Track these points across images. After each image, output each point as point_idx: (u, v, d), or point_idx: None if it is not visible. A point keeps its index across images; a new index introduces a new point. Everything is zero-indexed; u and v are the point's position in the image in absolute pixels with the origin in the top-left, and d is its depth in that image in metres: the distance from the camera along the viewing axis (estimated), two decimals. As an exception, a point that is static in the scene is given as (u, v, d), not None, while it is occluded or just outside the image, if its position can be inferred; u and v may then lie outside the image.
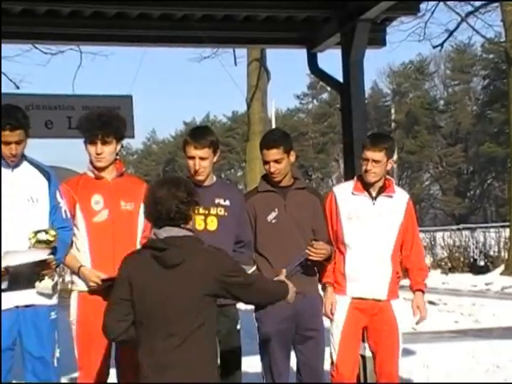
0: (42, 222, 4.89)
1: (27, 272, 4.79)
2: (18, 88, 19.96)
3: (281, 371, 5.46)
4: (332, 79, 8.35)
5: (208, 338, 4.05)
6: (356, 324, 5.59)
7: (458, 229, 27.01)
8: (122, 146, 5.38)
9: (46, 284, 4.88)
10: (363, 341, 5.94)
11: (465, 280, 21.86)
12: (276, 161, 5.50)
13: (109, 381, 5.26)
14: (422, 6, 12.08)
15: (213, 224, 5.24)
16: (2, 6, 6.80)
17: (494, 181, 63.01)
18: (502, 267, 22.72)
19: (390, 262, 5.58)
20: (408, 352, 8.68)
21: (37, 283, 4.87)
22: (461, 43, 59.36)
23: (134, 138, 9.57)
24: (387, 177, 5.67)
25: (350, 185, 5.74)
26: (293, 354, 5.61)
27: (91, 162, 5.27)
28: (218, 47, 19.12)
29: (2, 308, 4.78)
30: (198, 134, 5.34)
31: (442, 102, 66.35)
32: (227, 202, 5.29)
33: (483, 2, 23.39)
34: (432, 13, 23.32)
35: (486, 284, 20.78)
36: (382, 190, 5.63)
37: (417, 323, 5.79)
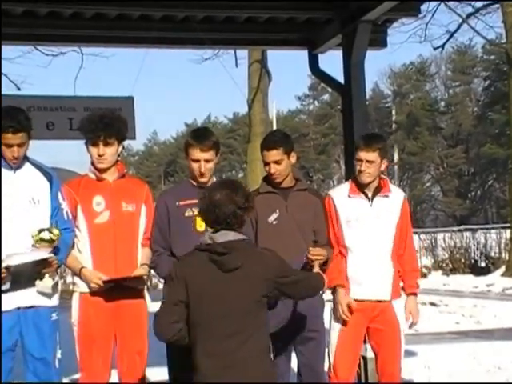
0: (43, 224, 4.89)
1: (28, 271, 4.80)
2: (19, 89, 19.96)
3: (281, 372, 5.44)
4: (333, 80, 8.35)
5: (265, 337, 4.20)
6: (355, 325, 5.58)
7: (459, 230, 26.99)
8: (124, 148, 5.38)
9: (46, 283, 4.89)
10: (364, 342, 5.94)
11: (466, 281, 21.84)
12: (276, 162, 5.50)
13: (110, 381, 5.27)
14: (423, 7, 12.06)
15: (213, 225, 5.24)
16: (3, 7, 6.80)
17: (495, 182, 63.02)
18: (503, 268, 22.71)
19: (390, 261, 5.58)
20: (409, 353, 8.68)
21: (37, 282, 4.88)
22: (462, 44, 59.36)
23: (136, 140, 9.57)
24: (382, 176, 5.66)
25: (345, 187, 5.72)
26: (293, 355, 5.61)
27: (93, 164, 5.27)
28: (219, 49, 19.16)
29: (4, 309, 4.79)
30: (202, 136, 5.32)
31: (442, 104, 66.40)
32: (228, 203, 5.29)
33: (484, 3, 23.38)
34: (433, 14, 23.29)
35: (487, 285, 20.76)
36: (377, 191, 5.62)
37: (409, 327, 5.77)
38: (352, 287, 5.55)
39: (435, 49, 26.47)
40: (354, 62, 7.50)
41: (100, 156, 5.19)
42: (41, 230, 4.78)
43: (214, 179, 5.41)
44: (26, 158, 5.04)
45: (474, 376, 8.37)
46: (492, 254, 24.25)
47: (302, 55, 8.57)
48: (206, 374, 4.07)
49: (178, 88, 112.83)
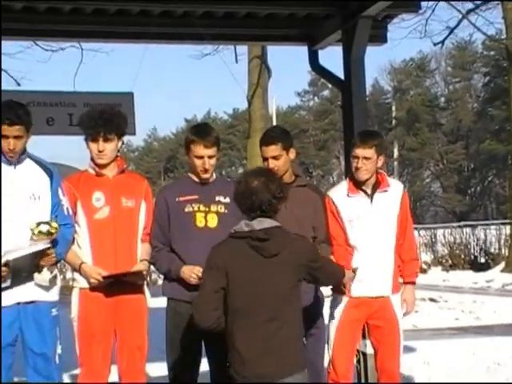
0: (43, 219, 4.89)
1: (27, 264, 4.80)
2: (19, 85, 19.97)
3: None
4: (333, 76, 8.34)
5: (300, 323, 4.34)
6: (353, 321, 5.58)
7: (459, 226, 27.01)
8: (123, 143, 5.38)
9: (43, 276, 4.89)
10: (364, 338, 5.95)
11: (465, 277, 21.87)
12: (274, 157, 5.50)
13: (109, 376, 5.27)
14: (423, 3, 12.06)
15: (213, 221, 5.24)
16: (3, 3, 6.80)
17: (495, 178, 63.04)
18: (502, 264, 22.74)
19: (392, 256, 5.60)
20: (409, 349, 8.68)
21: (35, 274, 4.88)
22: (462, 40, 59.51)
23: (135, 135, 9.56)
24: (379, 171, 5.65)
25: (343, 187, 5.70)
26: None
27: (92, 159, 5.27)
28: (218, 44, 19.14)
29: (4, 304, 4.80)
30: (205, 132, 5.32)
31: (442, 100, 66.41)
32: (227, 199, 5.29)
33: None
34: (433, 10, 23.34)
35: (487, 281, 20.78)
36: (376, 187, 5.62)
37: (404, 316, 5.77)
38: (354, 285, 5.53)
39: (435, 44, 26.53)
40: (354, 57, 7.49)
41: (100, 152, 5.19)
42: (39, 223, 4.78)
43: (214, 175, 5.41)
44: (26, 154, 5.04)
45: (473, 372, 8.38)
46: (492, 250, 24.29)
47: (302, 51, 8.56)
48: (245, 360, 4.17)
49: (178, 84, 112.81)
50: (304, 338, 5.48)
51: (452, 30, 25.81)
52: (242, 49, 22.97)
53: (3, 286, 4.80)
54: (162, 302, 5.27)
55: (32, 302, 4.91)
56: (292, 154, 5.60)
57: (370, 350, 6.07)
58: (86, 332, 5.15)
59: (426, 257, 24.89)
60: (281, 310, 4.20)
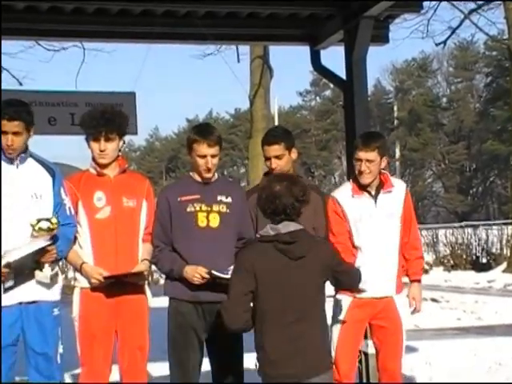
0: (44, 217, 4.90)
1: (29, 262, 4.81)
2: (21, 84, 20.00)
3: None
4: (335, 76, 8.34)
5: (326, 321, 4.50)
6: (356, 322, 5.58)
7: (461, 226, 26.98)
8: (124, 143, 5.38)
9: (44, 273, 4.89)
10: (366, 338, 5.95)
11: (467, 277, 21.85)
12: (277, 157, 5.52)
13: (110, 376, 5.27)
14: (425, 3, 12.04)
15: (215, 221, 5.24)
16: (5, 2, 6.80)
17: (497, 178, 62.99)
18: (504, 264, 22.72)
19: (396, 257, 5.61)
20: (410, 349, 8.67)
21: (37, 272, 4.88)
22: (464, 40, 59.53)
23: (137, 135, 9.57)
24: (382, 171, 5.65)
25: (347, 188, 5.70)
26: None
27: (94, 159, 5.27)
28: (221, 44, 19.15)
29: (5, 304, 4.80)
30: (207, 131, 5.32)
31: (444, 100, 66.36)
32: (229, 199, 5.29)
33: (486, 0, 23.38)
34: (435, 10, 23.36)
35: (489, 281, 20.76)
36: (380, 187, 5.62)
37: (412, 313, 5.80)
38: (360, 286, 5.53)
39: (437, 45, 26.56)
40: (356, 57, 7.49)
41: (101, 151, 5.19)
42: (40, 220, 4.79)
43: (216, 175, 5.41)
44: (28, 153, 5.04)
45: (475, 372, 8.37)
46: (493, 250, 24.26)
47: (304, 51, 8.56)
48: (273, 361, 4.28)
49: (180, 83, 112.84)
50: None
51: (454, 30, 25.84)
52: (244, 49, 23.00)
53: (7, 285, 4.81)
54: (163, 302, 5.27)
55: (34, 302, 4.91)
56: (294, 154, 5.61)
57: (371, 350, 6.08)
58: (87, 332, 5.15)
59: (427, 257, 24.83)
60: (308, 311, 4.33)
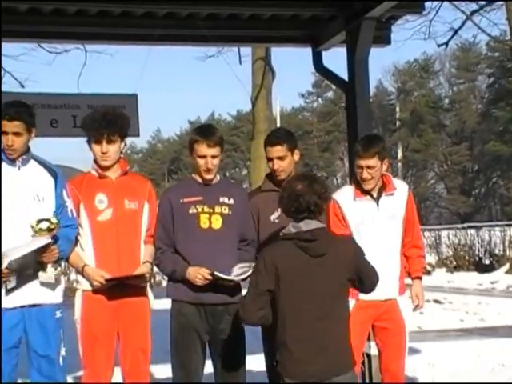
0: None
1: (31, 262, 4.80)
2: (23, 87, 20.05)
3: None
4: (337, 78, 8.34)
5: (347, 323, 4.50)
6: (360, 324, 5.56)
7: (463, 227, 26.94)
8: (125, 145, 5.38)
9: (48, 273, 4.89)
10: (368, 339, 5.94)
11: (470, 278, 21.82)
12: (279, 158, 5.51)
13: (113, 378, 5.27)
14: (427, 4, 12.06)
15: (217, 222, 5.24)
16: (8, 4, 6.81)
17: (499, 179, 62.92)
18: (507, 266, 22.69)
19: (399, 258, 5.61)
20: (413, 350, 8.66)
21: (40, 273, 4.87)
22: (466, 41, 59.49)
23: (139, 137, 9.57)
24: (384, 173, 5.65)
25: (349, 190, 5.69)
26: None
27: (95, 161, 5.27)
28: (222, 46, 19.13)
29: (8, 306, 4.80)
30: (208, 132, 5.32)
31: (446, 101, 66.32)
32: (231, 201, 5.29)
33: (488, 1, 23.37)
34: (437, 11, 23.40)
35: (492, 282, 20.74)
36: (382, 190, 5.62)
37: (414, 310, 5.81)
38: None
39: (439, 46, 26.57)
40: (358, 59, 7.49)
41: (104, 154, 5.19)
42: (40, 221, 4.78)
43: (218, 177, 5.41)
44: (30, 155, 5.04)
45: (477, 374, 8.36)
46: (496, 252, 24.21)
47: (306, 52, 8.57)
48: (295, 359, 4.31)
49: (182, 85, 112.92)
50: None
51: (456, 31, 25.84)
52: (246, 50, 23.04)
53: (9, 287, 4.80)
54: (165, 304, 5.27)
55: (36, 305, 4.91)
56: (296, 155, 5.61)
57: (374, 352, 6.07)
58: (89, 334, 5.14)
59: (430, 258, 24.80)
60: (330, 308, 4.36)
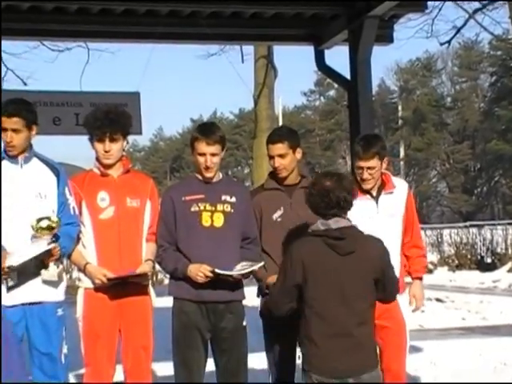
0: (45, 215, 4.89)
1: (32, 266, 4.80)
2: (25, 85, 20.06)
3: (286, 368, 5.45)
4: (339, 76, 8.35)
5: (373, 322, 4.56)
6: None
7: (465, 226, 26.95)
8: (127, 143, 5.38)
9: (51, 271, 4.89)
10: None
11: (472, 277, 21.81)
12: (280, 155, 5.49)
13: (115, 377, 5.27)
14: (430, 2, 12.06)
15: (219, 221, 5.23)
16: (10, 2, 6.82)
17: (502, 178, 62.92)
18: (509, 264, 22.67)
19: (399, 257, 5.60)
20: (415, 349, 8.67)
21: (43, 271, 4.87)
22: (468, 40, 59.38)
23: (142, 135, 9.58)
24: (383, 171, 5.64)
25: None
26: (298, 351, 5.60)
27: (98, 159, 5.27)
28: (225, 44, 19.15)
29: (9, 304, 4.79)
30: (208, 130, 5.32)
31: (449, 99, 66.33)
32: (233, 199, 5.29)
33: (491, -1, 23.37)
34: (439, 10, 23.34)
35: (494, 281, 20.72)
36: (381, 188, 5.61)
37: (413, 311, 5.80)
38: None
39: (442, 44, 26.56)
40: (361, 57, 7.49)
41: (106, 152, 5.18)
42: (39, 219, 4.78)
43: (221, 175, 5.40)
44: (33, 153, 5.04)
45: (480, 372, 8.36)
46: (498, 250, 24.21)
47: (309, 51, 8.57)
48: (322, 355, 4.36)
49: (184, 84, 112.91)
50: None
51: (459, 30, 25.81)
52: (248, 49, 23.02)
53: (10, 284, 4.81)
54: (167, 302, 5.26)
55: (38, 303, 4.91)
56: (298, 154, 5.59)
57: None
58: (91, 332, 5.14)
59: (432, 257, 24.81)
60: (356, 306, 4.40)
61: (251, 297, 5.58)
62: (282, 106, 44.02)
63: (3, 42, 7.49)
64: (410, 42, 58.43)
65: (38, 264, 4.85)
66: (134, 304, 5.18)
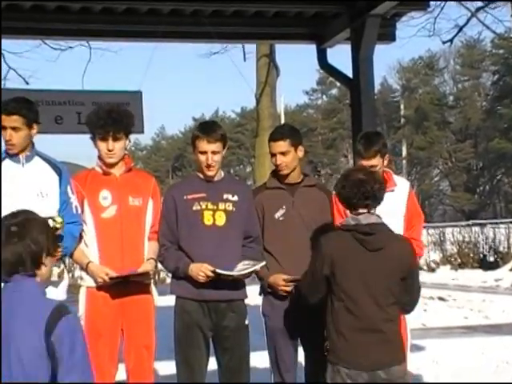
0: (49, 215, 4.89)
1: None
2: (27, 84, 20.07)
3: (288, 367, 5.45)
4: (341, 75, 8.35)
5: (398, 319, 4.65)
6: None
7: (468, 225, 26.91)
8: (130, 142, 5.37)
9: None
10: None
11: (474, 276, 21.80)
12: (282, 153, 5.48)
13: (117, 376, 5.27)
14: (432, 1, 12.04)
15: (221, 219, 5.23)
16: (12, 1, 6.82)
17: (504, 177, 62.87)
18: (511, 263, 22.66)
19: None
20: (417, 348, 8.67)
21: None
22: (470, 38, 59.34)
23: (144, 134, 9.60)
24: (385, 169, 5.63)
25: None
26: (300, 350, 5.60)
27: (100, 158, 5.26)
28: (227, 43, 19.17)
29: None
30: (209, 128, 5.32)
31: (451, 98, 66.24)
32: (235, 198, 5.29)
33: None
34: (442, 8, 23.32)
35: (496, 280, 20.71)
36: None
37: None
38: None
39: (444, 43, 26.58)
40: (363, 56, 7.49)
41: (109, 151, 5.18)
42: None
43: (222, 173, 5.40)
44: (35, 152, 5.04)
45: (482, 371, 8.36)
46: (501, 249, 24.19)
47: (311, 49, 8.57)
48: (356, 349, 4.41)
49: (186, 82, 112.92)
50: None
51: (461, 29, 25.83)
52: (251, 47, 23.04)
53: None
54: (170, 301, 5.27)
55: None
56: (300, 152, 5.58)
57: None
58: (93, 331, 5.12)
59: (434, 255, 24.82)
60: (383, 302, 4.44)
61: (253, 295, 5.58)
62: (284, 105, 44.00)
63: (5, 40, 7.49)
64: (413, 40, 58.45)
65: None
66: (136, 303, 5.17)
